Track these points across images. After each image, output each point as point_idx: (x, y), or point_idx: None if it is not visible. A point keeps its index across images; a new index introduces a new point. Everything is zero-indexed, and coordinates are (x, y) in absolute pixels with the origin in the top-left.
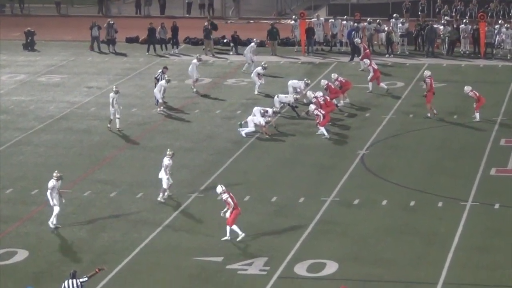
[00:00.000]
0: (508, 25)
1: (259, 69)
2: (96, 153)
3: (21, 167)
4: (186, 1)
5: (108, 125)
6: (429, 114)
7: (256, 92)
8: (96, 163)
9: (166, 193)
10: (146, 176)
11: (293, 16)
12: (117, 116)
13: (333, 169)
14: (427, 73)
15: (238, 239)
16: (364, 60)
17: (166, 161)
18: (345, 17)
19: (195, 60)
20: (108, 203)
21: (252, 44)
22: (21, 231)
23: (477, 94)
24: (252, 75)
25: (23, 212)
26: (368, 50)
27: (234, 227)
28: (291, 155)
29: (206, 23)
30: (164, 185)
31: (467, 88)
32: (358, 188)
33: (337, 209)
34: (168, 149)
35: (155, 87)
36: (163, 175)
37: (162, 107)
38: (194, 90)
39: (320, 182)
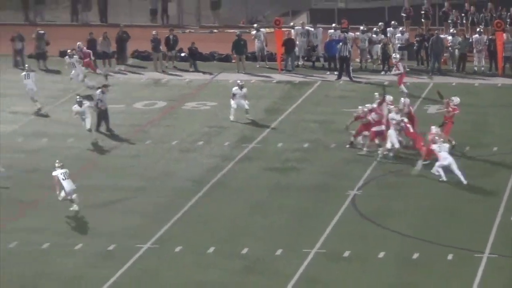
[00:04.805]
0: None
1: (235, 89)
2: (20, 197)
3: None
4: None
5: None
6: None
7: (232, 118)
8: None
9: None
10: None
11: (255, 25)
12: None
13: (318, 214)
14: (456, 100)
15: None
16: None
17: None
18: (333, 25)
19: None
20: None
21: None
22: None
23: (455, 109)
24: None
25: None
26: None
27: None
28: (265, 197)
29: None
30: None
31: (456, 100)
32: (348, 237)
33: (323, 264)
34: (57, 161)
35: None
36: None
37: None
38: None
39: (302, 230)
